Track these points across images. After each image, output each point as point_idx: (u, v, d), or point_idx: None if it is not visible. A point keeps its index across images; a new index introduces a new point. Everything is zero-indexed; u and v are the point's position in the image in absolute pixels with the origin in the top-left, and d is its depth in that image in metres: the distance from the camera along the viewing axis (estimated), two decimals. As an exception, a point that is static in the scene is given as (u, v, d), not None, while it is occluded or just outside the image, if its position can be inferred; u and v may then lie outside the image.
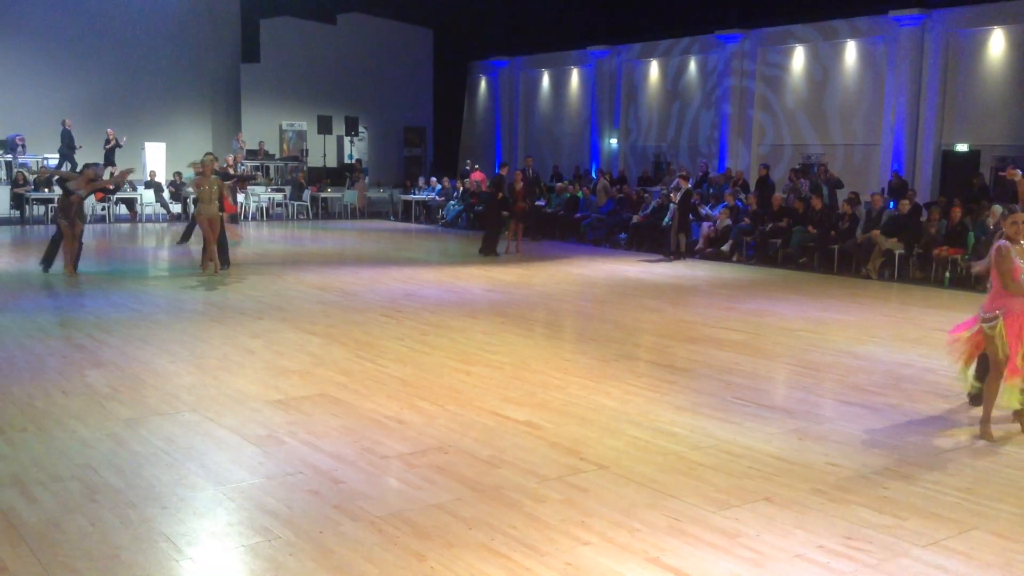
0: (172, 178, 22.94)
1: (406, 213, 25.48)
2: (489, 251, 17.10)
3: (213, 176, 13.44)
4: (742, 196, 18.23)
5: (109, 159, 22.73)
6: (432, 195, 25.10)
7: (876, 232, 14.98)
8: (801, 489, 5.22)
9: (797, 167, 19.98)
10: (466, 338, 9.39)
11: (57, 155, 23.13)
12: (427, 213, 25.06)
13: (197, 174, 13.48)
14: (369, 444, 5.89)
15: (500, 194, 17.56)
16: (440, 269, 15.17)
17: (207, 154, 14.00)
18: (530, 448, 5.86)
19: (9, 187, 21.87)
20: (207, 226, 13.30)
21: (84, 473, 5.28)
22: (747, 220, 17.17)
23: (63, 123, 22.97)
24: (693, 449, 5.90)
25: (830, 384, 7.82)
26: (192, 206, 22.68)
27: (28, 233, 19.82)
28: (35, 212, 21.66)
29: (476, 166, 25.82)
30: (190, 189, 19.41)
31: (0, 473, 5.25)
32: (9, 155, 22.84)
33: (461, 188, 24.20)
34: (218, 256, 13.61)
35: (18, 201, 21.53)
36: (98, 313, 10.37)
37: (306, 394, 7.10)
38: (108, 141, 23.30)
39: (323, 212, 25.67)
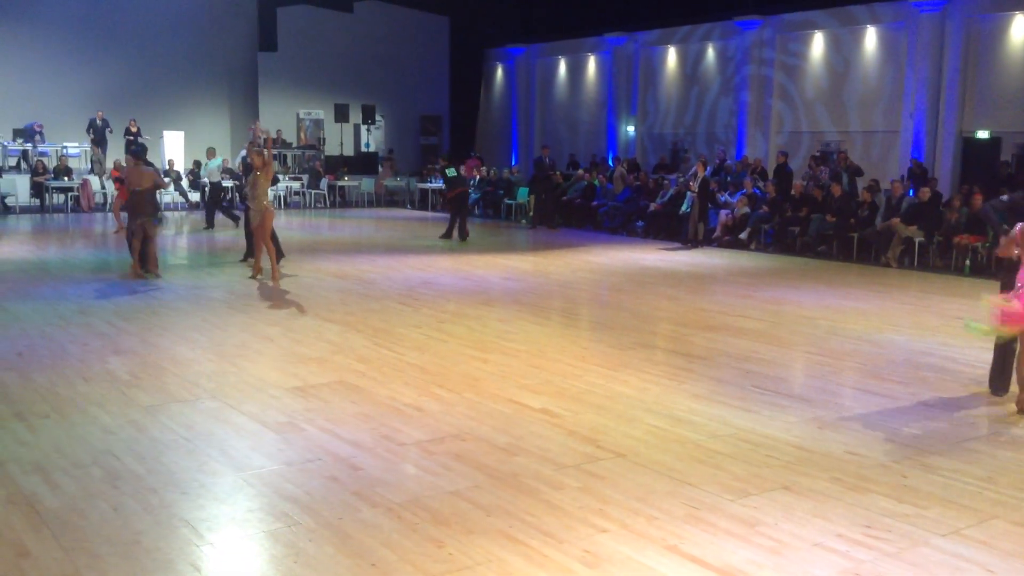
0: (191, 167, 23.03)
1: (423, 201, 25.51)
2: (448, 236, 17.47)
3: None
4: (760, 184, 18.13)
5: (130, 149, 22.81)
6: (449, 183, 25.08)
7: (896, 220, 14.87)
8: (820, 478, 5.20)
9: (816, 154, 19.85)
10: (483, 326, 9.40)
11: (88, 145, 23.33)
12: (444, 201, 25.05)
13: (250, 165, 12.47)
14: (387, 431, 5.91)
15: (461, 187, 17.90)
16: (456, 257, 15.17)
17: (250, 144, 13.56)
18: (547, 436, 5.87)
19: (29, 176, 22.03)
20: (262, 221, 11.94)
21: (105, 459, 5.33)
22: (765, 208, 17.08)
23: (97, 116, 23.12)
24: (711, 437, 5.89)
25: (849, 373, 7.78)
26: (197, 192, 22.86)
27: (48, 222, 19.98)
28: (55, 200, 21.82)
29: (474, 154, 25.81)
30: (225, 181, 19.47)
31: (23, 460, 5.30)
32: (28, 144, 22.99)
33: (478, 176, 24.21)
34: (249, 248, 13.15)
35: (38, 190, 21.70)
36: (118, 301, 10.45)
37: (324, 381, 7.13)
38: (129, 131, 23.42)
39: (340, 200, 25.75)
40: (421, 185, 25.84)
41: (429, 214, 23.98)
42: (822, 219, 15.95)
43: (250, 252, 13.21)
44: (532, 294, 11.55)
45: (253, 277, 12.09)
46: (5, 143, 22.90)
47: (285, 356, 7.98)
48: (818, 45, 21.25)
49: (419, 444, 5.69)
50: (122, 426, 5.94)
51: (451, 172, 17.96)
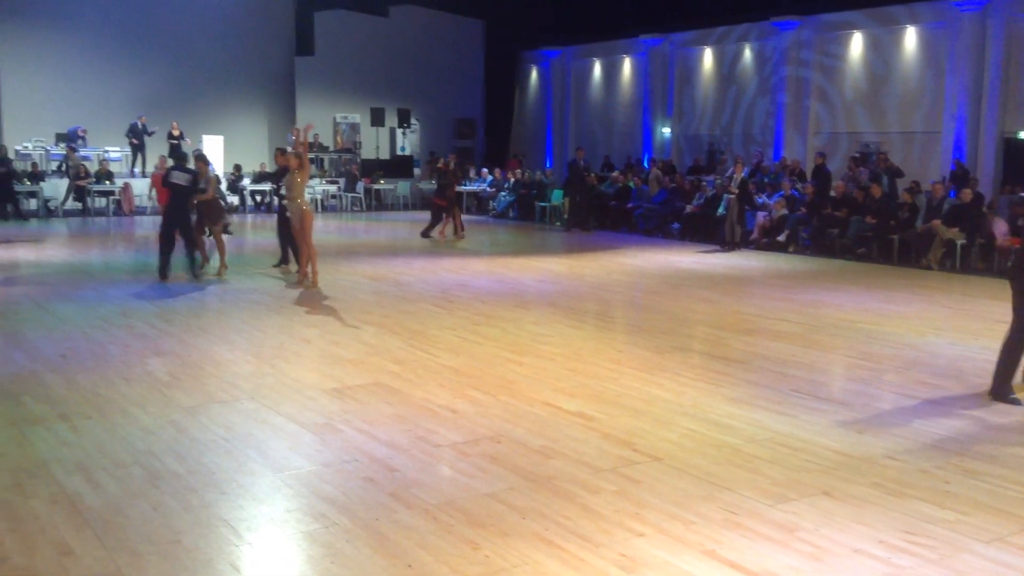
0: (231, 171, 23.28)
1: (457, 204, 25.54)
2: (426, 234, 17.99)
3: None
4: (798, 185, 17.96)
5: (174, 152, 23.10)
6: (483, 186, 25.18)
7: (937, 222, 14.66)
8: (860, 483, 5.14)
9: (856, 155, 19.61)
10: (518, 328, 9.40)
11: (128, 148, 23.71)
12: (478, 204, 25.15)
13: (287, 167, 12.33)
14: (423, 433, 5.93)
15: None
16: (491, 260, 15.19)
17: (279, 150, 13.62)
18: (583, 439, 5.85)
19: (72, 179, 22.39)
20: (300, 223, 11.82)
21: (146, 459, 5.40)
22: (804, 209, 16.91)
23: (139, 120, 23.49)
24: (749, 442, 5.83)
25: (890, 377, 7.67)
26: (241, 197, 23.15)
27: (90, 225, 20.31)
28: (97, 204, 22.17)
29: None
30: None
31: (65, 459, 5.39)
32: (71, 148, 23.38)
33: (512, 179, 24.24)
34: (287, 252, 13.12)
35: (80, 193, 22.06)
36: (159, 303, 10.59)
37: (361, 383, 7.17)
38: (172, 134, 23.75)
39: (376, 203, 25.90)
40: (456, 188, 25.86)
41: (464, 217, 23.97)
42: (862, 221, 15.76)
43: (284, 257, 13.28)
44: (567, 297, 11.53)
45: (300, 283, 11.95)
46: (48, 147, 23.30)
47: (322, 357, 8.04)
48: (857, 46, 21.00)
49: (454, 446, 5.70)
50: (162, 426, 6.02)
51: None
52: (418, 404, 6.60)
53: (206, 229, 12.98)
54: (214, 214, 12.83)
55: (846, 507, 4.79)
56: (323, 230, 19.91)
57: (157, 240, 12.65)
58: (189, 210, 12.37)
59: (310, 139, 19.97)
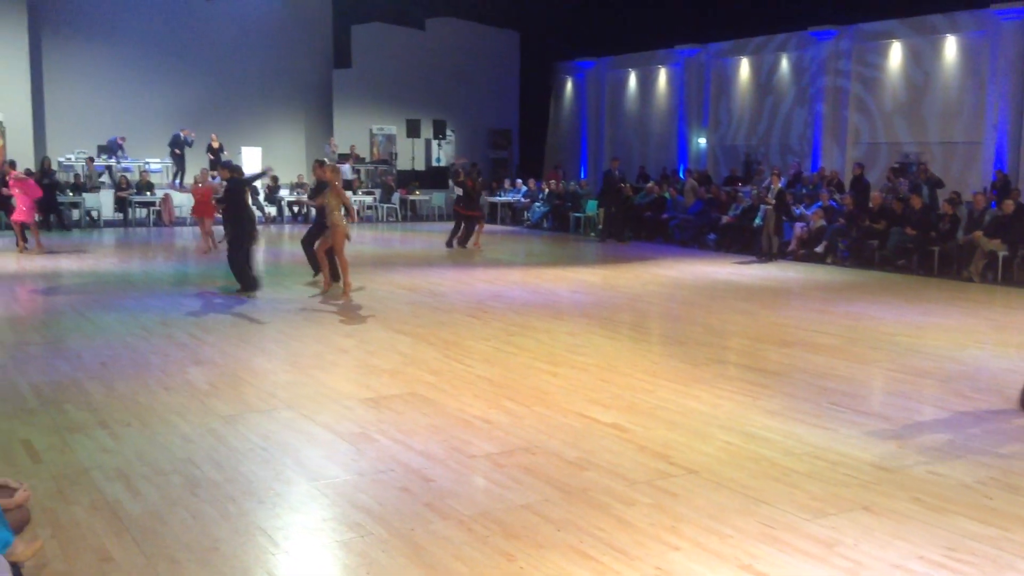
0: (268, 182, 23.55)
1: (491, 215, 25.65)
2: (450, 243, 18.35)
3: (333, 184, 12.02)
4: (837, 196, 17.78)
5: (214, 163, 23.44)
6: (518, 197, 25.23)
7: (978, 233, 14.43)
8: (900, 498, 5.06)
9: (895, 166, 19.38)
10: (552, 339, 9.39)
11: (169, 160, 24.12)
12: (512, 215, 25.20)
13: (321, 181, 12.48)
14: (457, 443, 5.94)
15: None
16: (525, 270, 15.20)
17: (317, 161, 13.59)
18: (618, 451, 5.83)
19: (113, 190, 22.80)
20: (335, 239, 11.91)
21: (185, 467, 5.46)
22: (842, 221, 16.73)
23: (181, 132, 23.89)
24: (787, 455, 5.77)
25: (930, 390, 7.55)
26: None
27: (131, 235, 20.63)
28: (138, 215, 22.52)
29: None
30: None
31: (106, 466, 5.47)
32: (112, 159, 23.80)
33: (547, 190, 24.26)
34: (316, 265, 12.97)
35: (121, 204, 22.43)
36: (198, 313, 10.73)
37: (396, 392, 7.20)
38: (211, 146, 24.10)
39: (412, 214, 26.05)
40: (491, 199, 25.99)
41: (498, 227, 24.09)
42: (901, 232, 15.56)
43: (317, 270, 13.10)
44: (602, 308, 11.50)
45: (346, 294, 11.96)
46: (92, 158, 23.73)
47: (358, 367, 8.08)
48: (896, 55, 20.78)
49: (489, 457, 5.70)
50: (201, 435, 6.09)
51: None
52: (453, 414, 6.62)
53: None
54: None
55: (886, 522, 4.72)
56: (358, 241, 20.05)
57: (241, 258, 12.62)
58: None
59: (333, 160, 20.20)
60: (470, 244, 18.40)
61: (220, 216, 13.81)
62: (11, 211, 16.69)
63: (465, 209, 18.48)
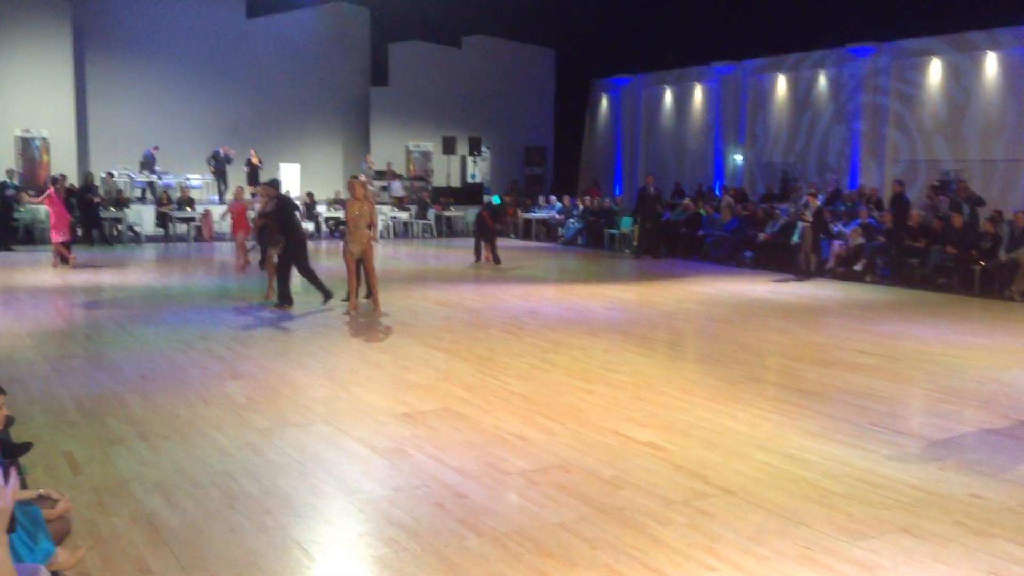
0: (305, 198, 23.79)
1: (526, 231, 25.69)
2: (497, 259, 18.56)
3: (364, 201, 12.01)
4: (876, 214, 17.59)
5: (253, 179, 23.74)
6: (552, 213, 25.26)
7: (1021, 252, 14.18)
8: (942, 521, 4.97)
9: (935, 183, 19.13)
10: (587, 356, 9.37)
11: (209, 176, 24.49)
12: (547, 231, 25.22)
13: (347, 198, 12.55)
14: (492, 460, 5.94)
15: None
16: (559, 287, 15.20)
17: (354, 177, 13.63)
18: (654, 470, 5.79)
19: (155, 206, 23.16)
20: (355, 256, 11.89)
21: (223, 480, 5.51)
22: (882, 238, 16.54)
23: (221, 149, 24.26)
24: (826, 476, 5.70)
25: (972, 411, 7.42)
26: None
27: (172, 250, 20.93)
28: (178, 230, 22.84)
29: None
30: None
31: (145, 479, 5.53)
32: (153, 175, 24.17)
33: (581, 206, 24.26)
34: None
35: (163, 219, 22.77)
36: (237, 327, 10.84)
37: (431, 408, 7.22)
38: (249, 162, 24.41)
39: (447, 230, 26.17)
40: (525, 215, 26.05)
41: (532, 244, 24.12)
42: (942, 250, 15.34)
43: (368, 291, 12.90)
44: (637, 325, 11.45)
45: (376, 308, 12.04)
46: (132, 175, 24.14)
47: (393, 382, 8.12)
48: (935, 72, 20.55)
49: (524, 474, 5.69)
50: (239, 448, 6.14)
51: (496, 200, 19.60)
52: (487, 430, 6.62)
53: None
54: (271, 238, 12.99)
55: (927, 546, 4.64)
56: (393, 256, 20.20)
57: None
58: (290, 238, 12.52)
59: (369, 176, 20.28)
60: (483, 258, 18.69)
61: (255, 233, 14.01)
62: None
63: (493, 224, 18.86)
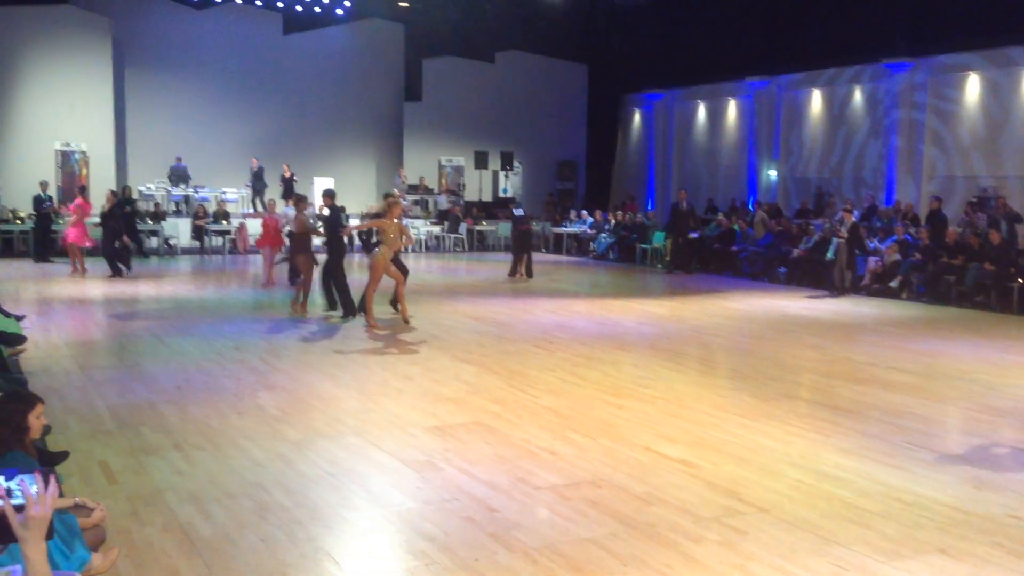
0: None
1: (557, 245, 25.69)
2: (530, 274, 18.51)
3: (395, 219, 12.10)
4: (912, 230, 17.39)
5: (287, 192, 23.94)
6: (583, 227, 25.24)
7: (1062, 269, 13.95)
8: (979, 542, 4.89)
9: (973, 200, 18.88)
10: (618, 371, 9.33)
11: (248, 189, 24.79)
12: (578, 245, 25.21)
13: (376, 214, 12.70)
14: (522, 474, 5.93)
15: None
16: (591, 301, 15.16)
17: (387, 195, 13.69)
18: (685, 486, 5.74)
19: (191, 219, 23.46)
20: (382, 269, 11.90)
21: (255, 491, 5.55)
22: (918, 255, 16.34)
23: (253, 162, 24.56)
24: (860, 495, 5.62)
25: (1010, 431, 7.30)
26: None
27: (207, 262, 21.17)
28: (213, 243, 23.11)
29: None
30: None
31: (179, 489, 5.59)
32: (189, 188, 24.50)
33: (613, 221, 24.23)
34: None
35: (198, 232, 23.06)
36: (271, 339, 10.93)
37: (461, 421, 7.23)
38: (284, 176, 24.65)
39: (479, 244, 26.23)
40: (556, 229, 26.06)
41: (564, 258, 24.11)
42: (980, 268, 15.13)
43: (395, 300, 12.92)
44: (668, 340, 11.40)
45: (407, 321, 12.12)
46: (168, 188, 24.48)
47: (424, 395, 8.14)
48: (973, 88, 20.31)
49: (554, 488, 5.67)
50: (271, 459, 6.18)
51: (518, 212, 19.45)
52: (518, 445, 6.61)
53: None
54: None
55: (964, 567, 4.56)
56: (425, 270, 20.27)
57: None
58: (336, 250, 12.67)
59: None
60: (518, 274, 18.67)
61: (285, 248, 14.16)
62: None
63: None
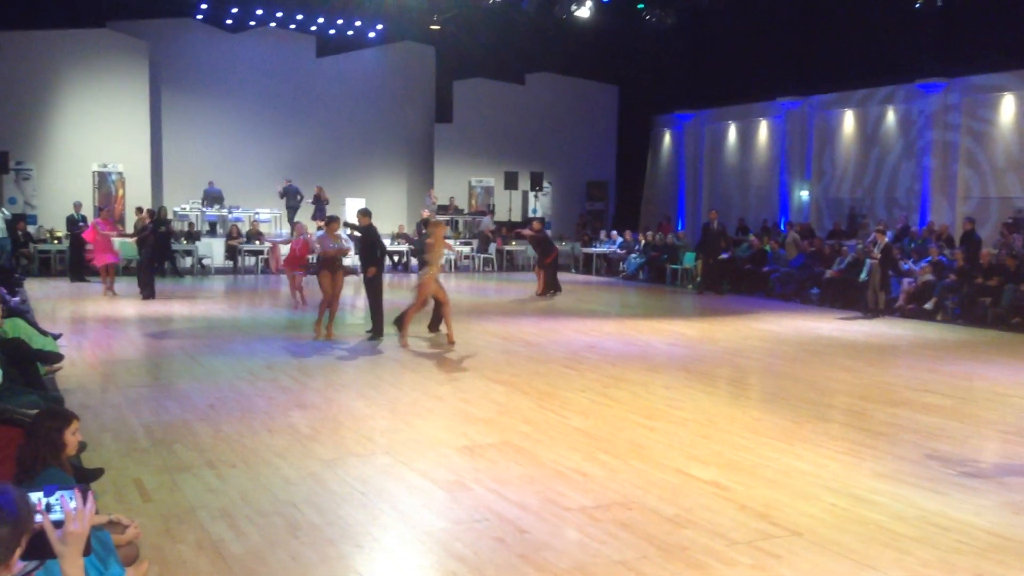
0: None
1: (587, 265, 25.67)
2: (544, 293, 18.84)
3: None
4: (947, 251, 17.19)
5: (318, 214, 24.17)
6: (613, 248, 25.22)
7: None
8: (1017, 567, 4.79)
9: (1008, 221, 18.64)
10: (648, 392, 9.29)
11: (285, 210, 25.08)
12: (608, 266, 25.18)
13: (427, 232, 12.76)
14: (552, 495, 5.91)
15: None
16: (621, 322, 15.12)
17: (429, 213, 13.74)
18: (718, 509, 5.69)
19: (224, 239, 23.72)
20: (429, 290, 12.04)
21: (287, 509, 5.58)
22: (953, 277, 16.15)
23: (286, 181, 24.83)
24: (895, 519, 5.54)
25: (1051, 456, 7.16)
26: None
27: (240, 282, 21.38)
28: (246, 263, 23.35)
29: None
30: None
31: (211, 506, 5.63)
32: (224, 209, 24.81)
33: (643, 241, 24.18)
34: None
35: (232, 252, 23.31)
36: (303, 358, 11.01)
37: (491, 441, 7.22)
38: (316, 197, 24.90)
39: (508, 264, 26.28)
40: (586, 250, 26.05)
41: (593, 278, 24.08)
42: (1015, 289, 14.90)
43: (436, 321, 12.99)
44: (699, 361, 11.33)
45: (452, 343, 12.13)
46: (202, 209, 24.80)
47: (454, 415, 8.15)
48: (1008, 109, 20.08)
49: (584, 510, 5.64)
50: (303, 477, 6.21)
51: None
52: (548, 465, 6.59)
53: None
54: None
55: (1004, 595, 4.48)
56: (455, 290, 20.29)
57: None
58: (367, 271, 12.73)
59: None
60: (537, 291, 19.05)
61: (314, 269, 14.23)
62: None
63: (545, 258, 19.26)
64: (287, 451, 6.86)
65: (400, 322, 12.28)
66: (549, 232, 28.01)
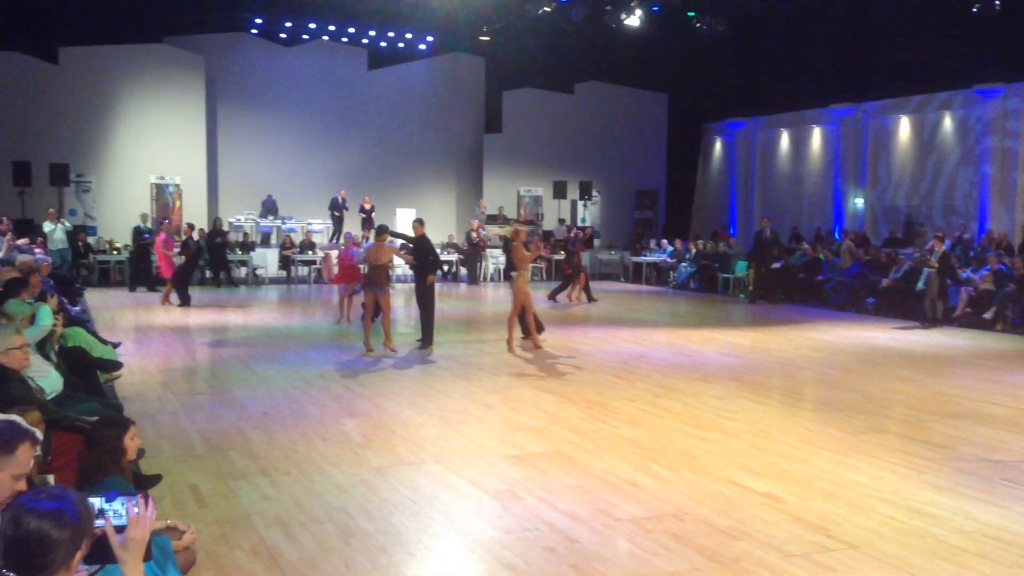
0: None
1: (636, 275, 25.54)
2: (552, 297, 19.46)
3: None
4: (1006, 260, 16.78)
5: (366, 225, 24.42)
6: (663, 257, 25.06)
7: None
8: (1087, 587, 4.65)
9: (1071, 228, 18.16)
10: (700, 402, 9.20)
11: (330, 221, 25.39)
12: (658, 275, 25.03)
13: (513, 242, 13.21)
14: (603, 505, 5.88)
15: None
16: (671, 331, 15.00)
17: (513, 222, 13.93)
18: (772, 521, 5.62)
19: (279, 249, 24.08)
20: (523, 293, 12.63)
21: (339, 516, 5.63)
22: (1013, 286, 15.75)
23: (339, 194, 25.15)
24: (955, 533, 5.42)
25: (1119, 470, 6.94)
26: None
27: (293, 292, 21.67)
28: (299, 272, 23.66)
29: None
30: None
31: (266, 513, 5.70)
32: (277, 219, 25.18)
33: (694, 250, 23.99)
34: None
35: (285, 262, 23.65)
36: (354, 367, 11.11)
37: (541, 451, 7.21)
38: (363, 208, 25.16)
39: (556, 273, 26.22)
40: (635, 259, 25.92)
41: (643, 287, 23.95)
42: (1080, 298, 14.50)
43: (526, 329, 12.96)
44: (751, 371, 11.20)
45: (538, 347, 12.56)
46: (257, 220, 25.20)
47: (504, 424, 8.16)
48: (1071, 111, 19.60)
49: (635, 520, 5.61)
50: (355, 485, 6.27)
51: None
52: (598, 475, 6.56)
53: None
54: (383, 279, 12.69)
55: (1071, 613, 4.34)
56: (504, 299, 20.31)
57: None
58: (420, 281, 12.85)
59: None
60: (560, 297, 19.56)
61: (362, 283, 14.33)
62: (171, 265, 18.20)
63: (566, 265, 20.23)
64: (339, 459, 6.93)
65: (526, 330, 12.84)
66: (598, 242, 28.00)
